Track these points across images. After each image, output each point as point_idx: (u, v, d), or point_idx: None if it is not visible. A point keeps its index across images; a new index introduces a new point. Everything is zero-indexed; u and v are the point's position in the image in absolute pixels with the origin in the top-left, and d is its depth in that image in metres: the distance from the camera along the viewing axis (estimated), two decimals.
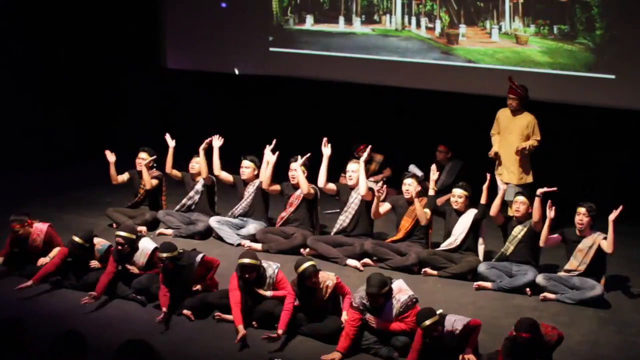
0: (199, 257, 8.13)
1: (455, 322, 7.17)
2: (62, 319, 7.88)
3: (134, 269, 8.47)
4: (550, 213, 8.63)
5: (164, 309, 7.89)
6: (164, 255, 7.99)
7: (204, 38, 13.68)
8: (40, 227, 8.97)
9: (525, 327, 6.83)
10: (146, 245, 8.55)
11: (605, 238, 8.60)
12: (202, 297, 8.13)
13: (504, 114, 10.20)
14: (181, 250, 8.15)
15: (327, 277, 7.69)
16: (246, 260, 7.79)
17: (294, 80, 13.11)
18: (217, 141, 10.22)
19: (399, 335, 7.37)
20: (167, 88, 14.23)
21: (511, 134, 10.06)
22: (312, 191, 9.82)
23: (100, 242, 8.78)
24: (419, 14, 12.19)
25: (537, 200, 8.79)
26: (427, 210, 9.37)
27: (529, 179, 10.03)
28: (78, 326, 6.65)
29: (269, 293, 7.91)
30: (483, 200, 9.15)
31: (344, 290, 7.79)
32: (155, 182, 10.40)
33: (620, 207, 8.49)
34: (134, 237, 8.48)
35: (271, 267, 8.02)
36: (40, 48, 13.18)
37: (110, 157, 10.42)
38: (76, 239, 8.60)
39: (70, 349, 4.97)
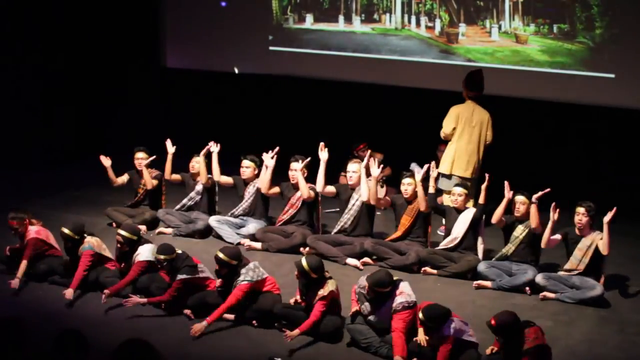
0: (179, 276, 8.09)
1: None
2: (61, 318, 7.88)
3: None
4: (554, 215, 8.63)
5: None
6: (162, 257, 8.05)
7: (204, 37, 13.69)
8: (35, 229, 8.84)
9: (501, 314, 6.88)
10: (144, 253, 8.46)
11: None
12: (202, 297, 8.14)
13: (462, 111, 10.29)
14: (180, 252, 8.19)
15: (329, 285, 7.64)
16: (220, 254, 7.86)
17: (294, 79, 13.11)
18: (215, 147, 10.17)
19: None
20: (167, 87, 14.23)
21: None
22: (311, 194, 9.81)
23: (89, 241, 8.59)
24: (419, 13, 12.19)
25: (533, 207, 8.78)
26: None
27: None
28: (77, 325, 6.65)
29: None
30: (481, 200, 9.15)
31: (334, 298, 7.75)
32: (155, 182, 10.41)
33: (614, 209, 8.48)
34: (135, 238, 8.47)
35: (241, 278, 7.88)
36: (40, 47, 13.17)
37: (106, 161, 10.39)
38: (65, 230, 8.55)
39: (71, 349, 4.97)
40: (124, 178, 10.60)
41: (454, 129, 10.10)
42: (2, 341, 5.08)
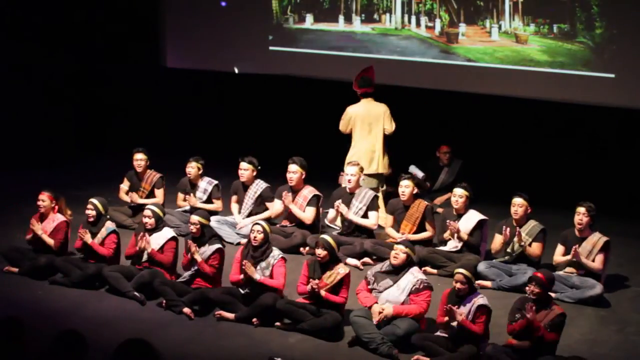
0: (215, 246, 8.28)
1: (479, 297, 7.34)
2: (61, 318, 7.89)
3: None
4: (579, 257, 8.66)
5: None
6: (197, 219, 8.23)
7: (204, 37, 13.68)
8: (58, 217, 8.96)
9: (543, 271, 7.34)
10: (166, 233, 8.65)
11: (604, 240, 8.64)
12: (202, 293, 8.16)
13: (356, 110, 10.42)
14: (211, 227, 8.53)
15: (341, 266, 7.85)
16: (262, 223, 8.15)
17: (294, 79, 13.11)
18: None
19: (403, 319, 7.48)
20: (167, 87, 14.22)
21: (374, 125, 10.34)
22: (311, 219, 9.82)
23: (109, 224, 8.86)
24: (419, 13, 12.19)
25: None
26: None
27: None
28: (77, 325, 6.66)
29: (257, 276, 7.95)
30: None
31: (347, 284, 7.86)
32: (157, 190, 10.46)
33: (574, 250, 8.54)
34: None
35: (277, 251, 8.14)
36: (40, 47, 13.18)
37: (126, 194, 10.48)
38: (95, 200, 8.80)
39: (71, 349, 4.98)
40: (126, 186, 10.57)
41: (352, 130, 10.30)
42: (2, 341, 5.09)
